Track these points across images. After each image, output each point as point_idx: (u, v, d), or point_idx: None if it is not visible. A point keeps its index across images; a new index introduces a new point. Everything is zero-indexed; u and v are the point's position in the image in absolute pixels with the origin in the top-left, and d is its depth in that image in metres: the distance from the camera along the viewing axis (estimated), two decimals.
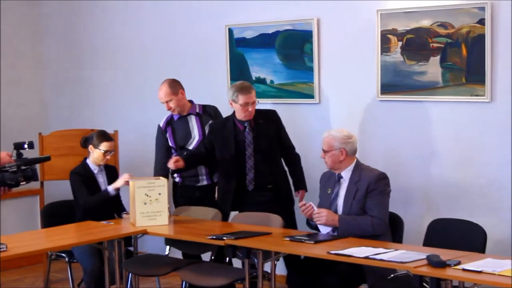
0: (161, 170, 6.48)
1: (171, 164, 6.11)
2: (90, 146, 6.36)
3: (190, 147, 6.41)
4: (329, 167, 5.60)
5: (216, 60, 7.43)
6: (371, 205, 5.39)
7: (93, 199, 6.22)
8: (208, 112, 6.51)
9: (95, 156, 6.34)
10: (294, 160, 6.36)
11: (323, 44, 6.76)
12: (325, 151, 5.55)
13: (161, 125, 6.56)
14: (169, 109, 6.42)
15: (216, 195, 6.42)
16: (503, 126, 5.87)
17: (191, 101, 6.53)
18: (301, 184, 6.31)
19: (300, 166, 6.35)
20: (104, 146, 6.32)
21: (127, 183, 6.10)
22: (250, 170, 6.10)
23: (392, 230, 5.52)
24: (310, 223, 5.61)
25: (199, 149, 6.33)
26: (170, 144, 6.50)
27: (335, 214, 5.45)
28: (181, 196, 6.53)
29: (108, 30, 8.37)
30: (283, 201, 6.20)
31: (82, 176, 6.34)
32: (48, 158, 6.01)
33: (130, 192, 5.98)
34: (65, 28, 8.71)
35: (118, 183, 6.20)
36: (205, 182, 6.44)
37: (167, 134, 6.50)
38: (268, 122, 6.20)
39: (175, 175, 6.49)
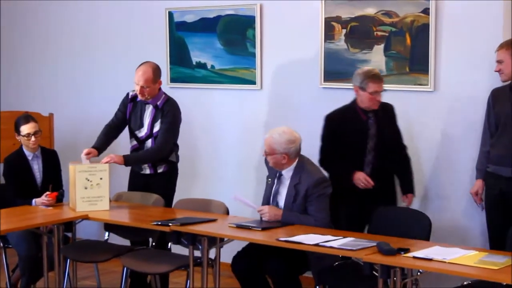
0: (107, 129, 6.34)
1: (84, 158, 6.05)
2: (16, 134, 6.21)
3: (139, 135, 6.18)
4: (271, 166, 5.49)
5: (156, 44, 7.31)
6: (312, 210, 5.33)
7: (19, 203, 6.02)
8: (164, 110, 6.11)
9: (23, 142, 6.20)
10: (405, 161, 5.87)
11: (266, 30, 6.72)
12: (267, 153, 5.44)
13: (129, 95, 6.23)
14: (140, 94, 6.06)
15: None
16: (446, 115, 5.94)
17: (159, 89, 6.19)
18: (410, 188, 5.85)
19: (411, 169, 5.88)
20: (23, 130, 6.17)
21: (48, 203, 5.96)
22: (368, 166, 5.65)
23: None
24: None
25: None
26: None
27: (278, 209, 5.41)
28: (130, 181, 6.39)
29: (44, 11, 8.16)
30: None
31: (14, 165, 6.20)
32: None
33: (70, 176, 5.85)
34: None
35: (40, 203, 5.98)
36: (147, 171, 6.25)
37: (127, 109, 6.25)
38: (387, 115, 5.80)
39: None
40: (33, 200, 6.01)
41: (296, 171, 5.42)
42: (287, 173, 5.45)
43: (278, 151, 5.36)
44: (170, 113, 6.08)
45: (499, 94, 5.47)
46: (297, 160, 5.43)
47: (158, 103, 6.11)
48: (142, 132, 6.17)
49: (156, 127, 6.10)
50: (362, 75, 5.63)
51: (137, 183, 6.30)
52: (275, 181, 5.52)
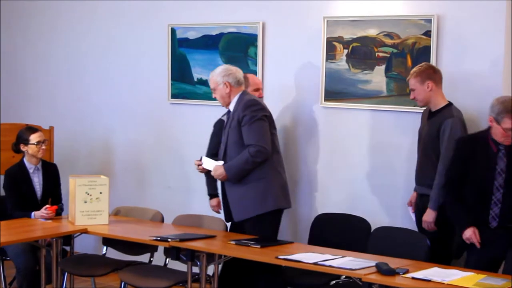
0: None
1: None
2: (21, 145, 6.23)
3: None
4: (222, 105, 5.83)
5: (158, 60, 7.34)
6: (245, 135, 5.59)
7: (18, 215, 6.06)
8: None
9: (30, 152, 6.21)
10: None
11: (267, 48, 6.75)
12: (213, 89, 5.81)
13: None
14: (260, 97, 6.21)
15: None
16: None
17: None
18: None
19: None
20: (33, 138, 6.21)
21: (48, 216, 5.99)
22: (496, 205, 5.03)
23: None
24: None
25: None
26: None
27: (220, 167, 5.63)
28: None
29: (46, 25, 8.18)
30: None
31: (15, 178, 6.22)
32: None
33: (70, 190, 5.86)
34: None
35: (39, 216, 6.01)
36: None
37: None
38: None
39: None
40: (32, 213, 6.02)
41: (238, 100, 5.72)
42: (231, 106, 5.74)
43: (219, 82, 5.73)
44: None
45: (424, 114, 5.76)
46: (240, 92, 5.74)
47: None
48: None
49: None
50: (500, 107, 4.98)
51: None
52: (226, 122, 5.78)
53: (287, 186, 5.84)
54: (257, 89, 6.25)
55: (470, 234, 5.02)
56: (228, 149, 5.70)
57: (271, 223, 5.71)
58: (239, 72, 5.79)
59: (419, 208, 5.64)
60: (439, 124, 5.49)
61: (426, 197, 5.54)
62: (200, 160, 5.87)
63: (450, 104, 5.59)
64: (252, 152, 5.53)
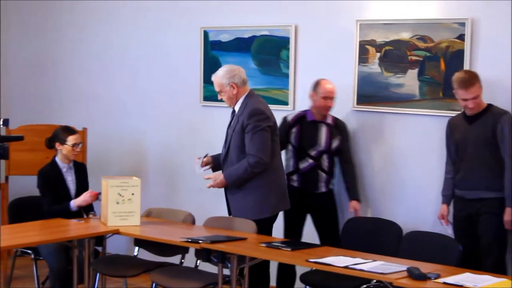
0: None
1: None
2: (57, 144, 6.28)
3: (312, 153, 6.24)
4: (229, 105, 5.84)
5: (190, 62, 7.38)
6: (246, 143, 5.63)
7: (55, 210, 6.12)
8: (339, 127, 6.33)
9: (64, 152, 6.26)
10: None
11: (300, 51, 6.75)
12: (219, 92, 5.79)
13: (289, 119, 6.31)
14: (331, 106, 6.24)
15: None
16: None
17: None
18: None
19: None
20: (71, 140, 6.26)
21: (91, 200, 6.11)
22: None
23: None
24: None
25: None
26: (291, 141, 6.27)
27: (220, 174, 5.72)
28: (298, 202, 6.19)
29: (79, 28, 8.25)
30: None
31: (49, 177, 6.26)
32: (21, 138, 5.96)
33: (102, 191, 5.91)
34: (33, 25, 8.56)
35: (80, 201, 6.11)
36: (323, 189, 6.31)
37: (293, 130, 6.28)
38: None
39: (294, 177, 6.28)
40: (71, 201, 6.12)
41: (244, 102, 5.75)
42: (237, 107, 5.77)
43: (225, 83, 5.73)
44: (348, 131, 6.41)
45: (456, 123, 5.73)
46: (247, 92, 5.78)
47: (329, 121, 6.30)
48: (316, 150, 6.24)
49: (334, 144, 6.28)
50: None
51: (306, 201, 6.27)
52: (230, 122, 5.84)
53: (285, 187, 5.91)
54: (326, 98, 6.20)
55: None
56: (230, 151, 5.78)
57: (268, 227, 5.84)
58: (242, 72, 5.80)
59: (470, 215, 5.60)
60: (492, 124, 5.51)
61: (479, 201, 5.54)
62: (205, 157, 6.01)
63: (491, 105, 5.60)
64: (251, 163, 5.60)
